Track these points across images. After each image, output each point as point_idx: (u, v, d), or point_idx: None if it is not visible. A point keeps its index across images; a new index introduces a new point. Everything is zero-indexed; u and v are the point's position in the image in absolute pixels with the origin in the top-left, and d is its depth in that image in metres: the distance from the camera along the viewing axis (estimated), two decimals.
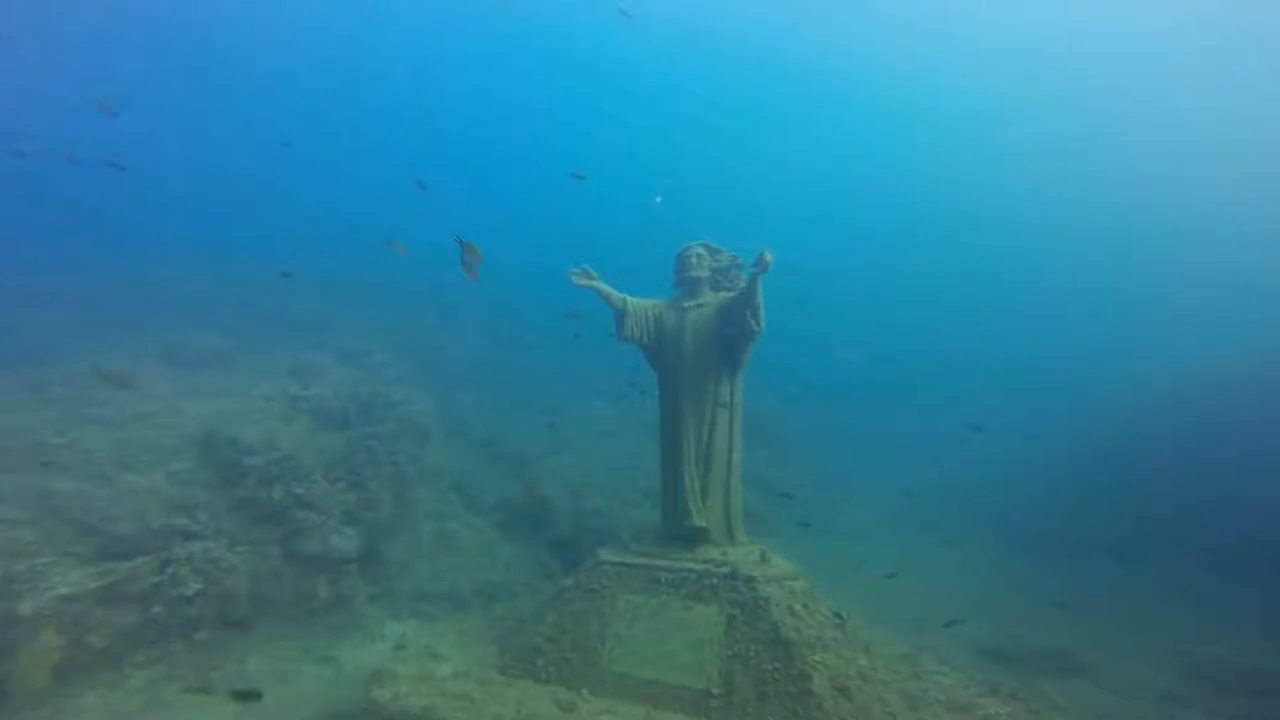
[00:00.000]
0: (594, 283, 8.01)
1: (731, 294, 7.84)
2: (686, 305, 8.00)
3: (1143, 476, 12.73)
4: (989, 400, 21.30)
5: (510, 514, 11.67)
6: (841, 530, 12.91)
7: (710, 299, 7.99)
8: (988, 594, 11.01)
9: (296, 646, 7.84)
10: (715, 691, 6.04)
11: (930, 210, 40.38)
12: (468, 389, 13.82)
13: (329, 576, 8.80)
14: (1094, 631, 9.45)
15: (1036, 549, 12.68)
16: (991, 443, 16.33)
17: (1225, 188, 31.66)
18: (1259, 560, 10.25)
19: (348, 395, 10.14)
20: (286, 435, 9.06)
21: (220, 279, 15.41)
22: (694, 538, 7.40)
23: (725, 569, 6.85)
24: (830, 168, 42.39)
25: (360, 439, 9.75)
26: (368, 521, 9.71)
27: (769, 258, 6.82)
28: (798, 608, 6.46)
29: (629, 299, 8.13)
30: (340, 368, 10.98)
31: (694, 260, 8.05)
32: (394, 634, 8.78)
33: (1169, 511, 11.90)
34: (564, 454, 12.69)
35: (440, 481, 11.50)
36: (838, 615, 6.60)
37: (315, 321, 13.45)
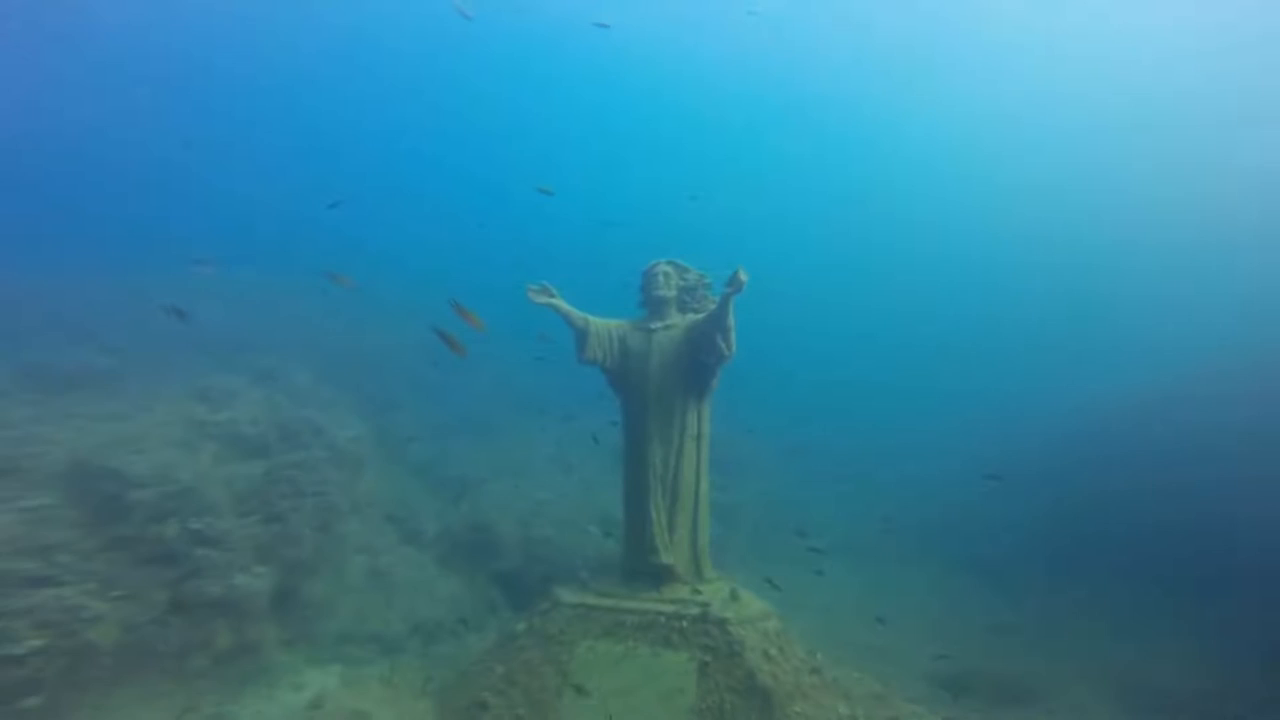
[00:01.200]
0: (553, 300, 7.52)
1: (700, 316, 7.51)
2: (653, 327, 7.60)
3: (1074, 498, 13.46)
4: (927, 425, 22.15)
5: (452, 545, 10.77)
6: (793, 555, 12.77)
7: (678, 320, 7.64)
8: (934, 618, 11.15)
9: (176, 705, 6.73)
10: None
11: (862, 237, 41.96)
12: (405, 411, 12.75)
13: (231, 621, 7.70)
14: (1036, 656, 9.72)
15: (977, 571, 13.09)
16: (931, 467, 16.99)
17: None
18: (1183, 580, 10.98)
19: (266, 420, 8.98)
20: (187, 465, 7.85)
21: (113, 290, 13.52)
22: (660, 575, 6.93)
23: (695, 610, 6.41)
24: (791, 193, 43.21)
25: (280, 468, 8.66)
26: (286, 559, 8.65)
27: (743, 277, 6.53)
28: (773, 651, 6.11)
29: (591, 319, 7.65)
30: (258, 390, 9.77)
31: (661, 279, 7.68)
32: (312, 684, 7.80)
33: (1098, 532, 12.62)
34: (512, 478, 11.91)
35: (373, 512, 10.45)
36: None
37: (230, 339, 11.99)
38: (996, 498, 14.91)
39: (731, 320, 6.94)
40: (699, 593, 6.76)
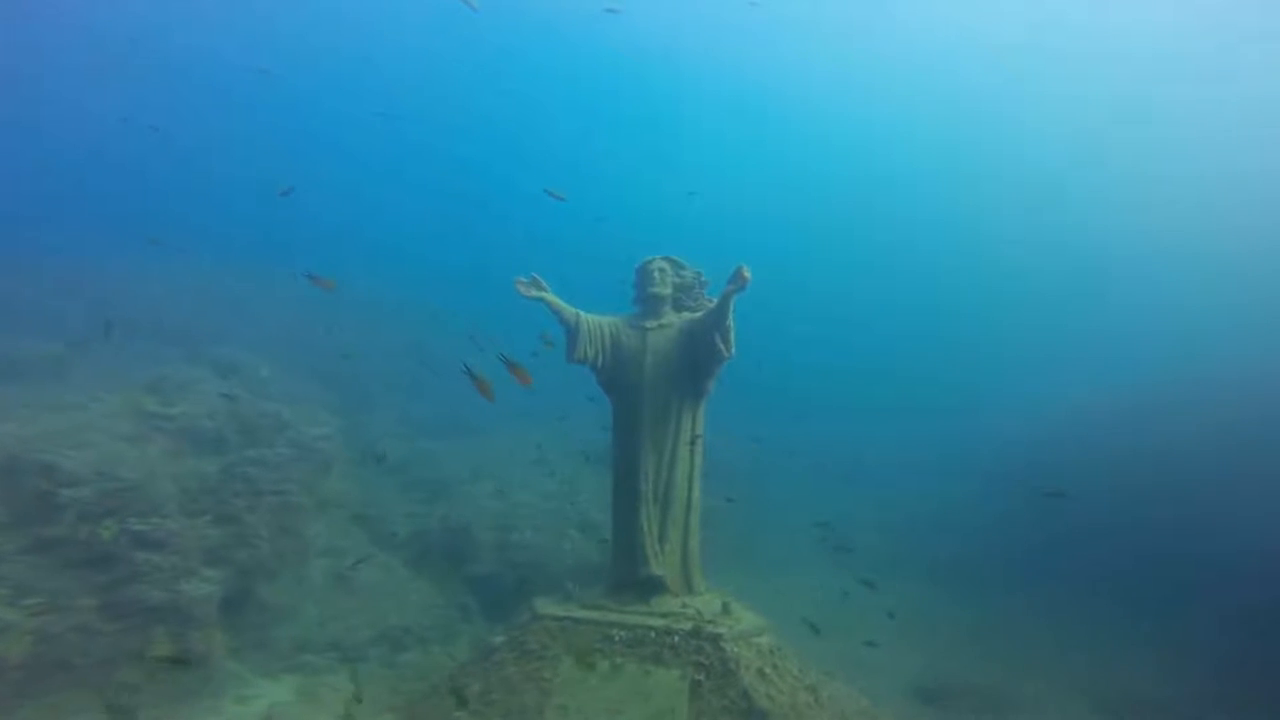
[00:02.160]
0: (543, 294, 7.10)
1: (697, 315, 7.20)
2: (648, 325, 7.25)
3: (1042, 501, 13.56)
4: (898, 424, 22.33)
5: (424, 548, 10.24)
6: (761, 562, 12.56)
7: (673, 319, 7.30)
8: (909, 626, 11.06)
9: None
10: None
11: (836, 230, 42.03)
12: (387, 410, 12.09)
13: (172, 629, 7.09)
14: (1009, 663, 9.70)
15: (941, 577, 13.11)
16: (899, 470, 17.02)
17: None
18: (1144, 584, 11.16)
19: (225, 414, 8.32)
20: (132, 461, 7.19)
21: (72, 274, 12.53)
22: (650, 588, 6.59)
23: (687, 625, 6.09)
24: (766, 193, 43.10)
25: (237, 465, 8.03)
26: (240, 561, 8.07)
27: (747, 275, 6.26)
28: (768, 670, 5.83)
29: (582, 314, 7.25)
30: (219, 383, 9.08)
31: (656, 275, 7.33)
32: (263, 696, 7.24)
33: (1063, 536, 12.75)
34: (491, 480, 11.41)
35: (340, 513, 9.86)
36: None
37: (197, 330, 11.18)
38: (970, 501, 15.02)
39: (731, 320, 6.65)
40: (690, 606, 6.44)
